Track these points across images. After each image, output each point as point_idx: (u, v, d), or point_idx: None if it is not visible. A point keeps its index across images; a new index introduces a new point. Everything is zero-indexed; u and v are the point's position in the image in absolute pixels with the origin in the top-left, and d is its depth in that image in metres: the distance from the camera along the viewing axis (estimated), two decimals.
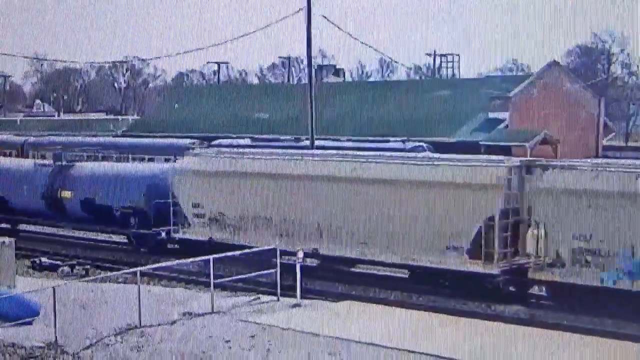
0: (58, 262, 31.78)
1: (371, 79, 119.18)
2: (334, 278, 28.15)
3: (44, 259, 32.00)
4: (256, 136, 51.03)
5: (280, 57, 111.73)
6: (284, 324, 20.40)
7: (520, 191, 24.83)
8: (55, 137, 61.53)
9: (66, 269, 31.01)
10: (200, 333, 20.01)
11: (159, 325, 20.65)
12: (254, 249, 25.14)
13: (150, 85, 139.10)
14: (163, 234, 32.43)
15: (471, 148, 41.55)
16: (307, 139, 42.77)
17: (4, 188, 39.12)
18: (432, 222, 25.71)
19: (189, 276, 27.98)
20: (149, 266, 25.78)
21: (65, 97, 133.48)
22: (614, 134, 64.37)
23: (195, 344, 19.23)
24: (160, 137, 57.67)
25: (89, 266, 31.27)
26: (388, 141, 44.14)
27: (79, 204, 36.11)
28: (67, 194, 36.61)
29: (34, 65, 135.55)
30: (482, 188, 24.85)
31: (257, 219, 29.67)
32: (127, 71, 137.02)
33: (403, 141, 44.35)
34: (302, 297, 22.60)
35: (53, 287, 20.51)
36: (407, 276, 27.61)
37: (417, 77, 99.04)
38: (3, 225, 38.81)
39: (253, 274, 24.09)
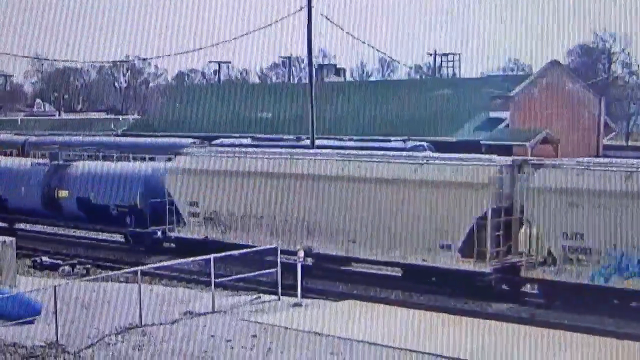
0: (59, 262, 31.82)
1: (372, 79, 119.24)
2: (327, 277, 28.18)
3: (44, 259, 32.05)
4: (257, 136, 51.06)
5: (281, 57, 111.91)
6: (285, 323, 20.40)
7: (512, 190, 25.02)
8: (56, 137, 61.53)
9: (67, 268, 31.04)
10: (201, 332, 20.01)
11: (160, 324, 20.66)
12: (254, 249, 25.17)
13: (151, 84, 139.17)
14: (159, 233, 32.65)
15: (472, 147, 41.50)
16: (307, 138, 42.79)
17: (1, 187, 39.17)
18: (425, 220, 25.90)
19: (190, 275, 28.02)
20: (150, 265, 25.79)
21: (66, 96, 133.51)
22: (614, 133, 64.37)
23: (197, 343, 19.22)
24: (162, 136, 57.68)
25: (89, 265, 31.31)
26: (389, 141, 44.17)
27: (75, 203, 36.21)
28: (63, 193, 36.71)
29: (35, 65, 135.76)
30: (474, 187, 25.06)
31: (250, 218, 29.91)
32: (127, 70, 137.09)
33: (404, 140, 44.39)
34: (302, 297, 22.61)
35: (54, 287, 20.46)
36: (400, 275, 27.72)
37: (418, 77, 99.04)
38: (0, 224, 38.87)
39: (253, 273, 24.11)
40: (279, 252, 23.18)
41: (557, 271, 23.68)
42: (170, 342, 19.40)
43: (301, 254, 23.06)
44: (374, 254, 27.10)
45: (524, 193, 24.59)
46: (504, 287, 25.63)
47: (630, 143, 79.92)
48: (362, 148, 36.01)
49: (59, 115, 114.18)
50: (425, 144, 43.89)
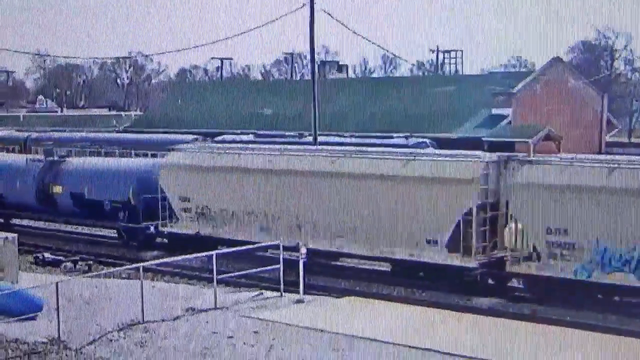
0: (61, 258, 31.85)
1: (374, 75, 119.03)
2: (318, 272, 28.21)
3: (46, 255, 32.09)
4: (260, 132, 51.05)
5: (284, 53, 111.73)
6: (287, 319, 20.42)
7: (498, 186, 25.21)
8: (58, 133, 61.52)
9: (69, 264, 31.06)
10: (203, 329, 20.03)
11: (163, 320, 20.68)
12: (257, 245, 25.24)
13: (154, 81, 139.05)
14: (152, 228, 32.77)
15: (474, 144, 41.44)
16: (310, 134, 42.77)
17: None
18: (412, 216, 26.08)
19: (192, 271, 28.07)
20: (152, 262, 25.81)
21: (68, 92, 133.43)
22: (617, 130, 64.29)
23: (199, 339, 19.24)
24: (163, 133, 57.62)
25: (91, 262, 31.35)
26: (391, 137, 44.12)
27: (70, 198, 36.29)
28: (57, 188, 36.84)
29: (37, 62, 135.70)
30: (460, 183, 25.26)
31: (240, 213, 30.08)
32: (130, 67, 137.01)
33: (406, 137, 44.31)
34: (304, 293, 22.63)
35: (56, 283, 20.51)
36: (389, 270, 27.87)
37: (420, 73, 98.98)
38: None
39: (255, 269, 24.14)
40: (281, 248, 23.23)
41: (542, 266, 23.93)
42: (172, 338, 19.42)
43: (303, 250, 23.09)
44: (362, 249, 27.34)
45: (509, 189, 24.81)
46: (490, 281, 25.87)
47: (632, 140, 79.76)
48: (364, 145, 36.04)
49: (61, 111, 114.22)
50: (427, 140, 43.82)
